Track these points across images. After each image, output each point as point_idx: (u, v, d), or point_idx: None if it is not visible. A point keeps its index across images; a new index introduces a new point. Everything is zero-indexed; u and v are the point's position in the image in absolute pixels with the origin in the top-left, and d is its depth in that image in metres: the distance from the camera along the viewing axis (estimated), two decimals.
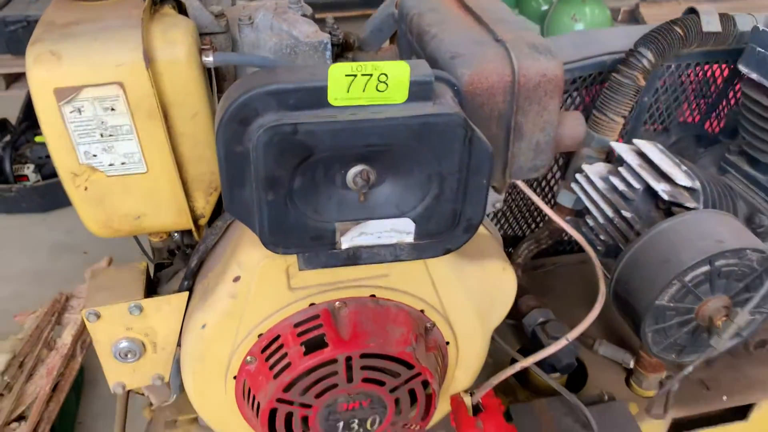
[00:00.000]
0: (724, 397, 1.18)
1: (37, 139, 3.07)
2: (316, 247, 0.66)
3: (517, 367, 0.90)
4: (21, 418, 1.72)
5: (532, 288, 1.28)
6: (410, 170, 0.63)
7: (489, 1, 0.85)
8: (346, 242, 0.64)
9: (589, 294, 0.90)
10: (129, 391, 1.15)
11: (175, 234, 0.85)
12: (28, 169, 3.03)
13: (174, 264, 0.88)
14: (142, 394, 0.96)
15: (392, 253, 0.68)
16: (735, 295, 0.92)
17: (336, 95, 0.57)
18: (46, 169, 3.02)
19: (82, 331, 1.89)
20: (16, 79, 3.73)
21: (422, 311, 0.80)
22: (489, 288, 0.84)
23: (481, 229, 0.86)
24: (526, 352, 0.98)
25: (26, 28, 3.51)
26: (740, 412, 1.22)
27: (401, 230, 0.65)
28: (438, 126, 0.59)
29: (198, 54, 0.67)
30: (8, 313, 2.06)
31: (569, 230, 0.88)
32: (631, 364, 1.18)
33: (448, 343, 0.84)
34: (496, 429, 0.86)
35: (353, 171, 0.61)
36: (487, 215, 0.88)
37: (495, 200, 0.84)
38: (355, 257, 0.67)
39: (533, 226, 1.51)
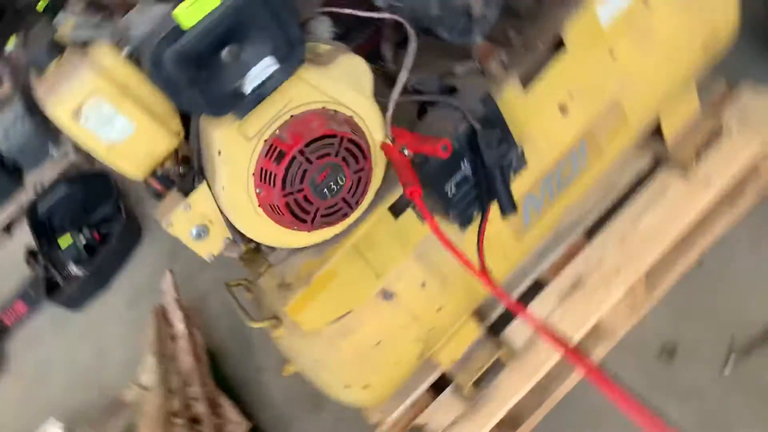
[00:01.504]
0: None
1: (61, 241, 3.59)
2: (239, 102, 1.18)
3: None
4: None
5: None
6: (252, 32, 1.14)
7: None
8: (248, 87, 1.17)
9: None
10: None
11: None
12: (72, 268, 3.58)
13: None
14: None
15: (276, 81, 1.20)
16: None
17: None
18: (83, 255, 3.56)
19: (187, 315, 2.48)
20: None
21: (323, 108, 1.33)
22: (350, 72, 1.36)
23: (326, 46, 1.37)
24: None
25: None
26: None
27: (270, 64, 1.18)
28: None
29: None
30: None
31: None
32: None
33: (351, 116, 1.37)
34: (412, 141, 1.39)
35: (223, 53, 1.13)
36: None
37: None
38: (260, 95, 1.20)
39: None
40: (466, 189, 1.51)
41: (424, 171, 1.42)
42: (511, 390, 1.83)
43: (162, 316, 2.50)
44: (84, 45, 1.16)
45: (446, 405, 1.89)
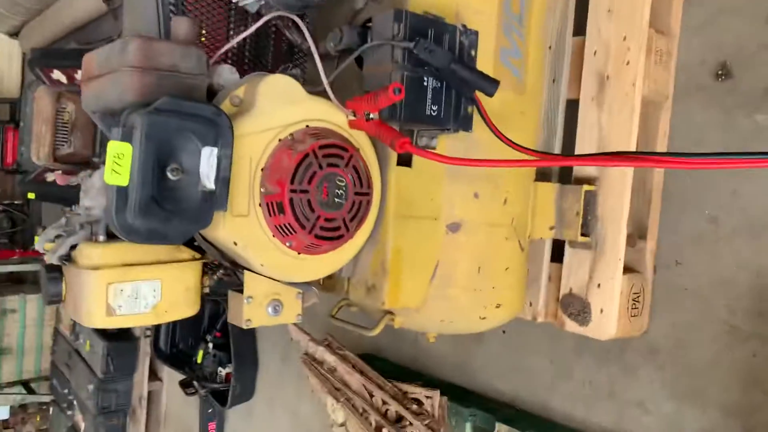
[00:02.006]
0: None
1: (197, 358, 3.83)
2: (214, 199, 1.21)
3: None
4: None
5: None
6: (176, 143, 1.15)
7: None
8: (210, 183, 1.19)
9: None
10: None
11: None
12: (221, 370, 3.81)
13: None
14: None
15: (226, 159, 1.22)
16: None
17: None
18: (221, 355, 3.77)
19: (327, 345, 2.60)
20: None
21: (279, 140, 1.34)
22: (276, 93, 1.35)
23: (241, 88, 1.36)
24: None
25: None
26: None
27: (210, 152, 1.19)
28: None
29: None
30: None
31: None
32: None
33: (306, 126, 1.37)
34: (369, 104, 1.38)
35: (169, 177, 1.15)
36: None
37: None
38: (224, 179, 1.22)
39: None
40: (445, 99, 1.47)
41: (400, 114, 1.40)
42: (615, 212, 1.81)
43: (311, 360, 2.63)
44: (69, 258, 1.22)
45: (575, 264, 1.89)
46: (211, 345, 3.75)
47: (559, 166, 1.78)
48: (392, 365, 2.72)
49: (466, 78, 1.40)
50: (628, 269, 1.93)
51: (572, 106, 1.94)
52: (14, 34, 5.11)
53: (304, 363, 2.64)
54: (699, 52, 1.84)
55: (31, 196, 5.43)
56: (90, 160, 4.00)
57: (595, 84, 1.87)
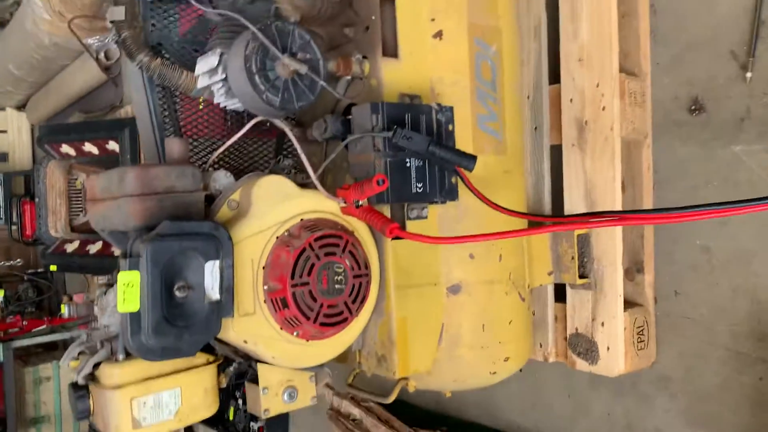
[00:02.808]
0: None
1: (229, 414, 3.89)
2: (221, 308, 1.30)
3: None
4: None
5: None
6: (180, 263, 1.24)
7: None
8: (215, 294, 1.28)
9: None
10: None
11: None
12: (253, 424, 3.87)
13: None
14: None
15: (228, 268, 1.30)
16: None
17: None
18: None
19: (352, 398, 2.66)
20: None
21: (277, 238, 1.42)
22: (270, 193, 1.43)
23: (237, 192, 1.45)
24: None
25: None
26: None
27: (213, 266, 1.27)
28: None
29: None
30: None
31: None
32: None
33: (301, 219, 1.45)
34: (356, 193, 1.46)
35: (177, 295, 1.24)
36: None
37: None
38: (228, 287, 1.30)
39: None
40: (429, 175, 1.55)
41: (387, 198, 1.48)
42: (610, 252, 1.87)
43: (337, 414, 2.70)
44: (93, 377, 1.30)
45: (578, 304, 1.95)
46: (240, 401, 3.82)
47: (549, 232, 1.84)
48: (416, 410, 2.77)
49: (445, 157, 1.48)
50: (630, 303, 1.99)
51: (557, 150, 2.01)
52: (20, 107, 5.29)
53: (330, 419, 2.70)
54: (671, 89, 1.91)
55: (53, 268, 5.57)
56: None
57: (575, 130, 1.94)
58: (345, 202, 1.48)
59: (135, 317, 1.19)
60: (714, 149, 1.81)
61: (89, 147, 3.64)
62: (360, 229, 1.57)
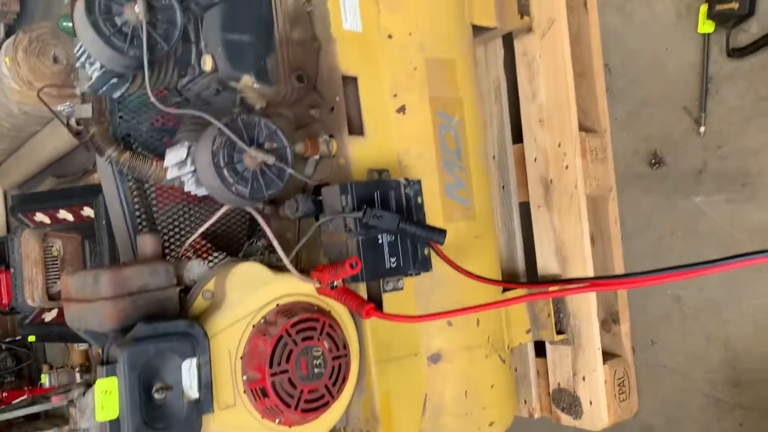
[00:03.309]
0: None
1: None
2: (201, 406, 1.29)
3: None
4: None
5: None
6: (158, 363, 1.24)
7: None
8: (194, 393, 1.27)
9: None
10: None
11: None
12: None
13: None
14: None
15: (206, 364, 1.30)
16: None
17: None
18: None
19: None
20: None
21: (253, 326, 1.43)
22: (244, 282, 1.44)
23: (211, 281, 1.46)
24: None
25: None
26: None
27: (190, 364, 1.27)
28: None
29: None
30: None
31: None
32: None
33: (276, 305, 1.46)
34: (331, 275, 1.47)
35: (156, 397, 1.23)
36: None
37: None
38: (207, 384, 1.30)
39: None
40: (401, 249, 1.57)
41: (362, 276, 1.50)
42: (584, 307, 1.90)
43: None
44: None
45: (558, 359, 1.97)
46: None
47: (524, 301, 1.86)
48: None
49: (415, 234, 1.51)
50: (609, 354, 2.02)
51: (526, 206, 2.06)
52: None
53: None
54: (631, 144, 1.97)
55: (31, 339, 5.46)
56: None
57: (541, 188, 1.99)
58: (320, 283, 1.50)
59: (114, 425, 1.18)
60: (676, 201, 1.87)
61: (64, 214, 3.61)
62: (337, 306, 1.58)
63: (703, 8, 1.73)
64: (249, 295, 1.45)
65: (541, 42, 1.94)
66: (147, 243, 1.41)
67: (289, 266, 1.49)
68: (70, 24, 2.20)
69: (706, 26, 1.73)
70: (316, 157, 1.64)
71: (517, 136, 2.08)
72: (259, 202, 1.48)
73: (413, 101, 1.73)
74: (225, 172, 1.38)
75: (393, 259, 1.56)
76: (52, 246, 4.05)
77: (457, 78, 1.82)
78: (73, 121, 2.72)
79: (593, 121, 2.02)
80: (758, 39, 1.64)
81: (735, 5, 1.62)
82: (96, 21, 1.27)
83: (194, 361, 1.28)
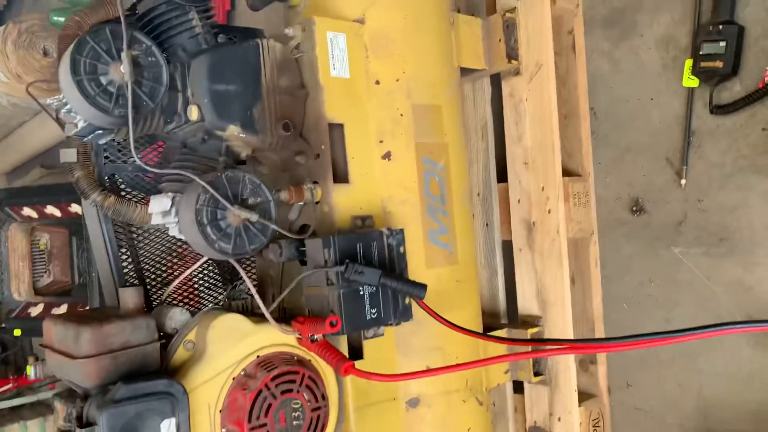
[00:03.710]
0: None
1: None
2: None
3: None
4: None
5: None
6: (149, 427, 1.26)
7: None
8: None
9: None
10: None
11: None
12: None
13: None
14: None
15: (185, 425, 1.32)
16: None
17: None
18: None
19: None
20: None
21: (233, 379, 1.44)
22: (226, 334, 1.46)
23: (192, 331, 1.47)
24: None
25: None
26: None
27: (169, 424, 1.29)
28: None
29: None
30: None
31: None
32: None
33: (256, 356, 1.48)
34: (310, 328, 1.49)
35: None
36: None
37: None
38: None
39: None
40: (382, 299, 1.59)
41: (343, 329, 1.52)
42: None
43: None
44: None
45: (535, 398, 2.01)
46: None
47: (503, 362, 1.89)
48: None
49: (396, 288, 1.53)
50: (585, 394, 2.05)
51: (508, 244, 2.08)
52: None
53: None
54: (614, 189, 1.99)
55: (17, 332, 5.45)
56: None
57: (523, 230, 2.01)
58: (300, 335, 1.51)
59: None
60: (656, 249, 1.90)
61: (51, 209, 3.60)
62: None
63: (688, 63, 1.74)
64: (229, 348, 1.47)
65: (529, 85, 1.95)
66: (129, 297, 1.42)
67: (270, 319, 1.50)
68: (62, 19, 2.20)
69: (691, 81, 1.74)
70: (301, 203, 1.65)
71: (502, 175, 2.09)
72: (242, 257, 1.49)
73: (399, 147, 1.74)
74: (208, 229, 1.39)
75: (374, 310, 1.58)
76: (40, 240, 4.04)
77: (444, 123, 1.83)
78: (62, 114, 2.72)
79: (577, 164, 2.04)
80: (740, 99, 1.66)
81: (719, 64, 1.64)
82: (81, 81, 1.27)
83: (173, 420, 1.30)
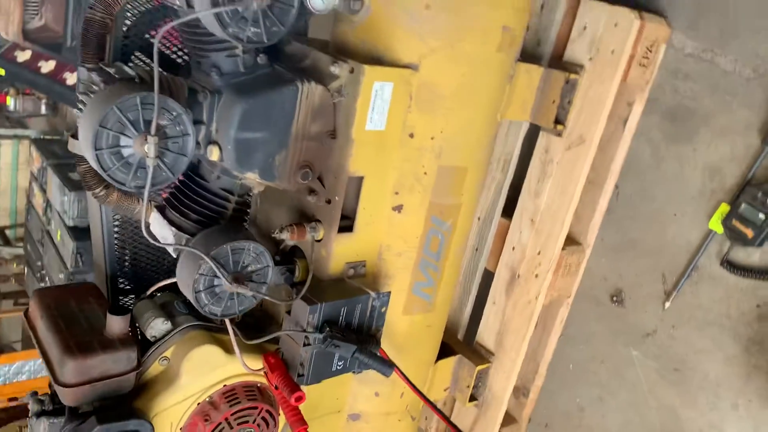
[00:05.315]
0: None
1: None
2: None
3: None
4: None
5: None
6: None
7: None
8: None
9: None
10: None
11: None
12: None
13: None
14: None
15: None
16: None
17: None
18: None
19: None
20: None
21: (198, 404, 1.57)
22: (201, 363, 1.56)
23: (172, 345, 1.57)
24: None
25: None
26: None
27: None
28: None
29: None
30: None
31: None
32: None
33: (223, 387, 1.60)
34: (276, 379, 1.60)
35: None
36: None
37: None
38: None
39: None
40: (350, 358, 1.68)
41: (307, 379, 1.63)
42: (503, 387, 2.11)
43: None
44: None
45: (462, 413, 2.23)
46: None
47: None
48: None
49: (367, 363, 1.62)
50: (509, 417, 2.28)
51: (489, 274, 2.15)
52: None
53: None
54: (604, 271, 2.03)
55: (0, 72, 5.39)
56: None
57: (507, 275, 2.07)
58: (266, 376, 1.63)
59: None
60: (618, 341, 2.00)
61: None
62: None
63: (723, 207, 1.68)
64: (201, 377, 1.58)
65: (565, 153, 1.87)
66: (116, 324, 1.47)
67: (241, 360, 1.59)
68: None
69: (717, 226, 1.70)
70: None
71: (509, 205, 2.08)
72: (230, 317, 1.53)
73: (412, 204, 1.71)
74: (202, 295, 1.42)
75: (340, 363, 1.69)
76: None
77: (465, 185, 1.77)
78: None
79: (581, 232, 2.03)
80: (751, 269, 1.65)
81: (749, 233, 1.60)
82: (101, 154, 1.20)
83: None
